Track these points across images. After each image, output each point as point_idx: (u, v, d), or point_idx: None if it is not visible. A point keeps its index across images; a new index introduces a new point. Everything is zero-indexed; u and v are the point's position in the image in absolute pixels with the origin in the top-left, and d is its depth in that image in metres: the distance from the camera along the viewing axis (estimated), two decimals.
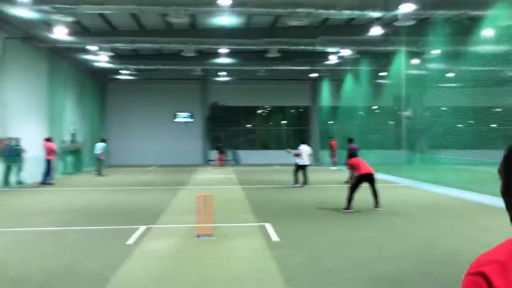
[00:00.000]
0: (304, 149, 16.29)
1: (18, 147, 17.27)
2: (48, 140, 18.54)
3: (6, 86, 17.56)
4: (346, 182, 17.73)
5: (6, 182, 16.52)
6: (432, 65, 19.65)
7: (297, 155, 16.16)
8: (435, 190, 15.16)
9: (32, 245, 7.45)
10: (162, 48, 22.52)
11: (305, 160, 16.10)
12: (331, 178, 19.17)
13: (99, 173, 21.42)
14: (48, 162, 17.56)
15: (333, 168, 24.93)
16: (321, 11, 15.88)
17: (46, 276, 5.74)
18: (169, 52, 25.98)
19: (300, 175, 16.25)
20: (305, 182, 16.27)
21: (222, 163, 27.60)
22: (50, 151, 17.70)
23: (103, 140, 23.20)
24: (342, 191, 14.76)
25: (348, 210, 10.72)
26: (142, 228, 8.72)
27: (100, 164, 21.60)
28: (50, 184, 17.22)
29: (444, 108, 18.56)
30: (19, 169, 17.37)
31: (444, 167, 18.45)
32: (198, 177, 20.24)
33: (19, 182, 17.16)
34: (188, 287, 5.35)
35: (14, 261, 6.48)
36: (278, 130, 33.80)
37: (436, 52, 19.04)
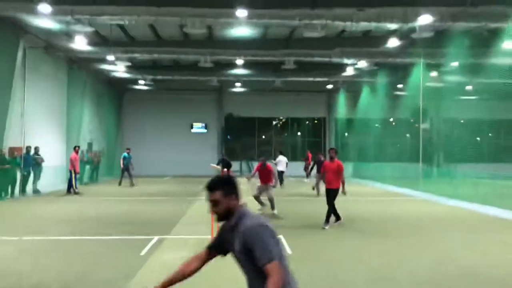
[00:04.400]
0: (282, 159, 20.68)
1: (36, 156, 17.46)
2: (74, 149, 18.59)
3: (25, 95, 17.85)
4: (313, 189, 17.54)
5: (23, 190, 16.68)
6: (450, 78, 19.44)
7: (276, 164, 20.19)
8: (453, 204, 14.88)
9: (47, 254, 7.47)
10: (179, 59, 22.70)
11: (283, 166, 20.50)
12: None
13: (120, 182, 21.31)
14: (70, 172, 17.62)
15: (306, 180, 23.76)
16: (338, 22, 15.83)
17: (60, 285, 5.73)
18: (185, 63, 26.17)
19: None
20: (281, 184, 20.00)
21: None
22: (71, 161, 17.76)
23: (127, 149, 22.65)
24: (348, 203, 14.62)
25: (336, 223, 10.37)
26: (156, 238, 8.70)
27: (122, 174, 21.52)
28: (70, 193, 17.24)
29: (462, 121, 18.32)
30: (37, 178, 17.54)
31: (462, 181, 18.15)
32: None
33: (36, 191, 17.32)
34: None
35: (28, 270, 6.49)
36: (294, 141, 33.69)
37: (455, 64, 18.84)
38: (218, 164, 20.81)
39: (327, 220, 10.12)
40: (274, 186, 12.40)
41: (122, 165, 21.49)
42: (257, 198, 12.49)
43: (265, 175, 12.32)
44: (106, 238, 8.88)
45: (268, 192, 12.27)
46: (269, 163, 13.00)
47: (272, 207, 12.28)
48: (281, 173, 20.04)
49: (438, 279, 6.12)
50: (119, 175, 22.13)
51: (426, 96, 19.18)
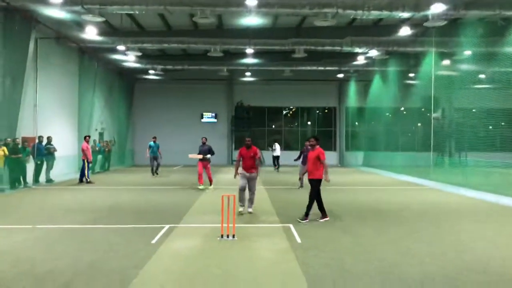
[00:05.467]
0: (277, 146, 25.98)
1: (49, 146, 17.64)
2: (84, 138, 18.50)
3: (37, 86, 18.02)
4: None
5: (36, 180, 16.90)
6: (463, 66, 19.18)
7: (273, 150, 25.93)
8: (464, 193, 14.80)
9: (59, 242, 7.60)
10: (188, 48, 22.70)
11: (277, 152, 25.59)
12: (354, 180, 18.93)
13: (152, 172, 21.24)
14: (82, 162, 17.75)
15: None
16: (349, 11, 15.71)
17: (71, 273, 5.83)
18: (195, 52, 26.20)
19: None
20: (278, 167, 25.37)
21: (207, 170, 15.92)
22: (82, 151, 17.86)
23: (153, 138, 21.66)
24: (358, 192, 14.61)
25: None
26: (166, 227, 8.79)
27: (151, 164, 21.28)
28: (83, 182, 17.44)
29: (474, 110, 18.12)
30: (50, 167, 17.75)
31: (474, 170, 18.00)
32: (222, 177, 20.30)
33: (49, 180, 17.54)
34: (210, 287, 5.34)
35: (41, 258, 6.62)
36: (304, 130, 33.62)
37: (467, 53, 18.58)
38: (199, 152, 15.61)
39: (323, 213, 9.73)
40: (257, 175, 10.78)
41: (147, 154, 21.12)
42: (241, 191, 10.57)
43: (249, 160, 10.55)
44: (117, 226, 8.99)
45: (251, 184, 10.66)
46: (255, 147, 10.87)
47: (251, 202, 10.71)
48: (277, 158, 25.51)
49: (449, 269, 6.11)
50: (132, 164, 22.21)
51: (437, 85, 18.98)
